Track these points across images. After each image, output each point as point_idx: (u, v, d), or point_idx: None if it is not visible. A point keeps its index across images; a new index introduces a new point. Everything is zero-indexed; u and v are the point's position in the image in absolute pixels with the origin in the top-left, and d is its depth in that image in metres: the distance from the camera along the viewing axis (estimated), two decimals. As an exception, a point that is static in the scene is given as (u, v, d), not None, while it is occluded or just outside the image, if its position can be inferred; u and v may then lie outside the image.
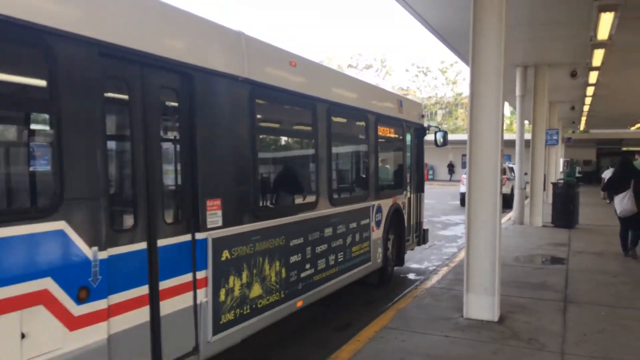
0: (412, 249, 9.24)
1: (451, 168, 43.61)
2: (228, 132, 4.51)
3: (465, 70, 54.30)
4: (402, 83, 62.15)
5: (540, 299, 6.72)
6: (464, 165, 35.51)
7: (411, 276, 8.74)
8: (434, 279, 7.86)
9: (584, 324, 5.76)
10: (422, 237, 9.41)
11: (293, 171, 6.11)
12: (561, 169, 30.50)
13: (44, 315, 2.93)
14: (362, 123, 7.11)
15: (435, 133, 9.51)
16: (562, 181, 15.10)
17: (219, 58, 4.41)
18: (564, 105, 21.25)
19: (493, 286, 5.72)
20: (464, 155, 41.47)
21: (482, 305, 5.76)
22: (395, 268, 8.45)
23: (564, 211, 13.48)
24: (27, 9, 2.85)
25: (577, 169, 35.52)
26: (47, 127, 3.22)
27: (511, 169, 20.00)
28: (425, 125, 9.43)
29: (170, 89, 3.97)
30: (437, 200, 23.69)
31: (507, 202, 11.96)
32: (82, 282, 3.14)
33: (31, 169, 3.22)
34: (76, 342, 3.09)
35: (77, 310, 3.11)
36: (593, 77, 13.51)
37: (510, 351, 4.91)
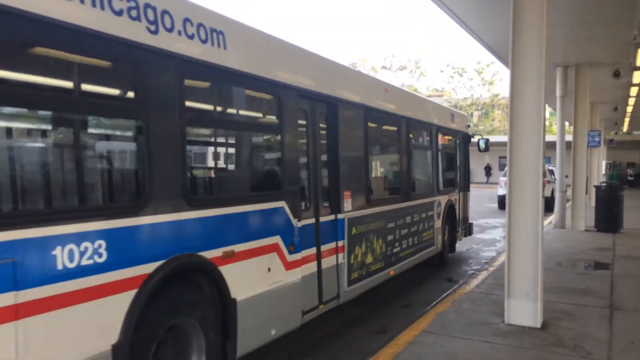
0: (460, 240, 10.59)
1: (488, 170, 42.91)
2: (353, 143, 6.31)
3: (502, 71, 53.38)
4: (436, 84, 61.47)
5: (584, 305, 6.54)
6: (501, 168, 34.90)
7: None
8: (473, 283, 7.73)
9: (631, 331, 5.57)
10: (467, 230, 11.04)
11: (388, 172, 7.98)
12: (603, 172, 29.65)
13: (276, 258, 4.79)
14: (428, 134, 8.91)
15: (479, 140, 11.27)
16: (605, 183, 14.67)
17: (350, 91, 6.32)
18: (606, 105, 20.64)
19: (535, 291, 5.59)
20: (502, 157, 41.51)
21: (524, 310, 5.63)
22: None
23: (608, 215, 13.08)
24: (274, 73, 4.85)
25: (629, 172, 34.47)
26: (276, 143, 5.16)
27: (551, 172, 19.55)
28: (470, 133, 11.08)
29: (325, 114, 5.85)
30: (474, 203, 23.14)
31: (547, 205, 11.70)
32: (291, 240, 5.02)
33: (274, 169, 5.24)
34: (288, 277, 4.96)
35: (289, 258, 4.97)
36: (637, 77, 13.10)
37: (554, 358, 4.78)
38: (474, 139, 11.19)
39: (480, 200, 24.98)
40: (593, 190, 15.85)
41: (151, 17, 3.54)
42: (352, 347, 5.35)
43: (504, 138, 6.15)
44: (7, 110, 2.93)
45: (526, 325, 5.58)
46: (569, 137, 14.24)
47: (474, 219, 16.53)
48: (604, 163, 31.74)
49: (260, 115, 5.24)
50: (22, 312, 2.72)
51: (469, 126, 11.20)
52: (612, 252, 10.35)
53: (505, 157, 5.98)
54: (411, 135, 8.05)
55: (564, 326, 5.65)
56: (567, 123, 17.15)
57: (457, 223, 10.13)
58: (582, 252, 10.45)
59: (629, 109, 20.95)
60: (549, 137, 18.51)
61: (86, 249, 3.06)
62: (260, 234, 4.60)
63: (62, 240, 2.93)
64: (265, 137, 5.47)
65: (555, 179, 16.02)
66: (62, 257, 2.92)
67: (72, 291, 2.98)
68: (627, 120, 26.41)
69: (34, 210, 3.00)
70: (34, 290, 2.78)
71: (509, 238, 5.74)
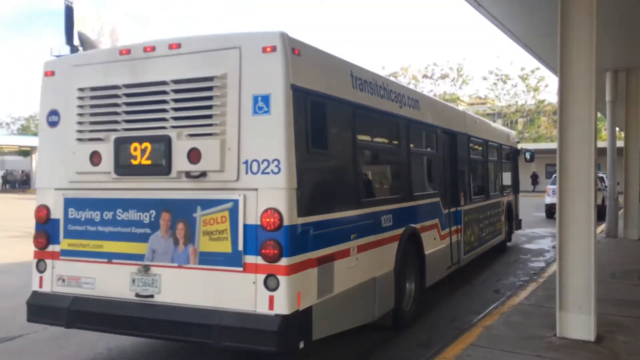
0: (514, 232, 13.09)
1: (535, 179, 41.77)
2: (464, 160, 9.02)
3: (548, 77, 52.13)
4: (480, 92, 60.48)
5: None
6: (548, 176, 33.95)
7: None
8: (522, 294, 7.52)
9: (693, 346, 5.30)
10: (518, 224, 13.71)
11: (477, 179, 10.18)
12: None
13: (436, 232, 7.49)
14: (497, 151, 11.70)
15: (525, 152, 13.96)
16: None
17: (462, 126, 9.11)
18: (659, 110, 19.84)
19: (589, 304, 5.38)
20: (548, 165, 40.66)
21: (577, 323, 5.42)
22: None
23: (663, 223, 12.52)
24: (433, 120, 7.78)
25: None
26: (434, 161, 8.08)
27: (601, 179, 18.89)
28: (519, 147, 13.89)
29: (449, 140, 8.49)
30: (521, 212, 22.70)
31: (598, 214, 11.28)
32: (441, 222, 7.71)
33: (435, 178, 8.00)
34: (440, 245, 7.65)
35: (441, 233, 7.68)
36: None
37: (610, 374, 4.60)
38: (521, 150, 14.01)
39: (527, 209, 24.24)
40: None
41: (398, 99, 6.55)
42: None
43: (551, 145, 6.76)
44: (379, 147, 6.74)
45: (579, 338, 5.38)
46: (619, 143, 13.74)
47: (520, 230, 16.22)
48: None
49: (428, 144, 7.98)
50: (360, 249, 5.33)
51: (518, 142, 14.31)
52: (670, 262, 9.90)
53: (552, 165, 5.92)
54: (489, 153, 10.94)
55: (619, 339, 5.43)
56: (617, 128, 16.57)
57: (513, 218, 12.75)
58: (637, 262, 10.03)
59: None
60: (599, 144, 17.89)
61: (388, 218, 5.97)
62: (432, 217, 7.40)
63: (385, 212, 5.92)
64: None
65: (606, 187, 15.48)
66: (382, 221, 5.85)
67: (382, 239, 5.79)
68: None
69: (388, 196, 6.37)
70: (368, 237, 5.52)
71: (560, 249, 5.56)
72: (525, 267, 10.43)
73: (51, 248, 4.98)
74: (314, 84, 4.63)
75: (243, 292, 4.20)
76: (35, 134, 62.20)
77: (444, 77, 57.78)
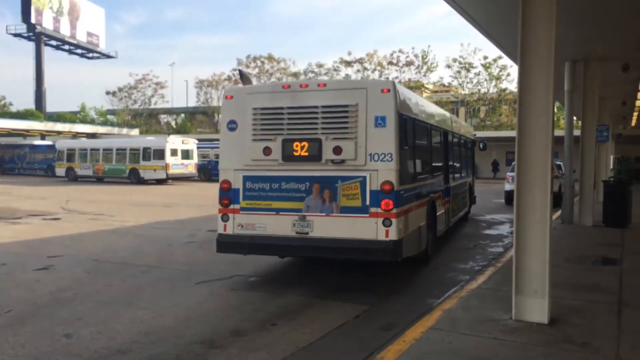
0: (473, 205, 16.45)
1: (495, 166, 42.68)
2: (448, 148, 11.70)
3: (510, 66, 53.05)
4: (444, 80, 61.13)
5: (593, 301, 6.50)
6: (508, 163, 34.72)
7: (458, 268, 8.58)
8: (480, 279, 7.70)
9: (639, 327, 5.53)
10: (474, 200, 16.77)
11: (455, 163, 12.98)
12: (611, 166, 29.42)
13: (441, 201, 10.60)
14: (465, 143, 14.91)
15: (479, 143, 17.32)
16: (613, 179, 14.54)
17: (446, 125, 11.82)
18: (615, 100, 20.47)
19: (544, 288, 5.54)
20: (509, 152, 41.84)
21: (532, 307, 5.59)
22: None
23: (616, 210, 12.99)
24: (464, 133, 14.96)
25: None
26: (465, 157, 15.10)
27: (559, 167, 19.41)
28: (474, 138, 17.30)
29: (471, 144, 15.90)
30: (481, 199, 23.14)
31: (555, 201, 11.61)
32: (443, 194, 10.98)
33: (468, 165, 15.53)
34: (442, 210, 10.59)
35: (443, 201, 10.82)
36: (647, 70, 12.97)
37: (562, 355, 4.76)
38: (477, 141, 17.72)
39: (487, 195, 24.78)
40: (601, 186, 15.72)
41: (431, 115, 10.25)
42: (360, 344, 5.32)
43: (511, 133, 7.04)
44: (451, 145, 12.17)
45: (534, 321, 5.55)
46: (576, 132, 14.13)
47: (480, 215, 16.55)
48: (611, 158, 31.49)
49: (464, 147, 13.98)
50: (415, 208, 8.27)
51: (474, 134, 18.41)
52: (621, 247, 10.28)
53: (512, 153, 5.99)
54: (461, 144, 14.14)
55: (572, 322, 5.62)
56: (574, 118, 17.01)
57: (472, 195, 16.27)
58: (591, 247, 10.39)
59: (638, 103, 20.77)
60: (557, 132, 18.35)
61: (425, 190, 9.06)
62: (440, 190, 10.40)
63: (424, 186, 9.00)
64: (464, 155, 14.56)
65: (563, 174, 15.92)
66: (423, 192, 8.85)
67: (422, 202, 8.70)
68: (635, 114, 26.19)
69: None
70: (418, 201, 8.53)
71: (517, 234, 5.70)
72: (484, 252, 10.66)
73: (232, 207, 7.80)
74: (405, 110, 7.83)
75: (368, 229, 7.22)
76: (-3, 115, 59.82)
77: (409, 64, 58.18)
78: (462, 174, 13.97)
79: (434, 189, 9.80)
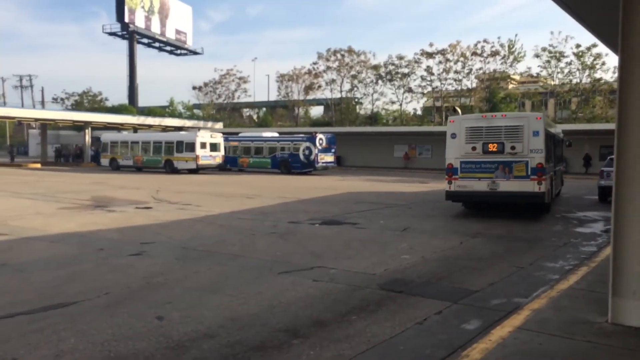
0: (561, 186, 21.20)
1: (587, 160, 40.18)
2: (553, 145, 16.51)
3: (605, 54, 49.79)
4: (532, 70, 58.39)
5: (700, 307, 5.98)
6: (602, 158, 32.69)
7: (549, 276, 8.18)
8: (572, 279, 7.31)
9: None
10: (562, 182, 21.59)
11: (555, 156, 17.62)
12: None
13: (553, 176, 16.60)
14: (558, 140, 19.05)
15: (567, 141, 22.72)
16: None
17: (553, 129, 17.74)
18: None
19: (644, 290, 5.18)
20: (602, 146, 39.51)
21: (630, 309, 5.24)
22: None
23: None
24: (558, 132, 20.81)
25: None
26: (559, 151, 21.00)
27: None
28: (562, 136, 21.84)
29: (553, 137, 17.11)
30: (572, 195, 22.03)
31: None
32: (554, 174, 17.05)
33: (561, 156, 22.84)
34: (555, 181, 17.84)
35: (555, 177, 17.40)
36: None
37: (665, 363, 4.43)
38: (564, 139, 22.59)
39: (579, 191, 23.56)
40: None
41: (557, 132, 19.51)
42: (440, 341, 5.22)
43: (605, 126, 6.10)
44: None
45: (633, 325, 5.20)
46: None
47: (571, 212, 15.84)
48: None
49: (559, 145, 19.80)
50: (549, 178, 15.49)
51: (562, 133, 22.39)
52: None
53: (606, 147, 5.67)
54: (556, 142, 18.07)
55: (676, 329, 5.20)
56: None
57: (562, 181, 21.36)
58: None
59: None
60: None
61: (552, 168, 15.92)
62: (554, 170, 15.99)
63: (552, 167, 16.18)
64: (559, 151, 20.22)
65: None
66: (549, 171, 15.31)
67: (551, 174, 15.98)
68: None
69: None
70: (551, 174, 15.82)
71: (615, 232, 5.35)
72: (576, 250, 10.11)
73: (454, 177, 14.45)
74: (547, 126, 14.86)
75: (530, 186, 13.76)
76: (88, 110, 64.45)
77: (494, 54, 56.03)
78: (558, 164, 19.36)
79: (553, 170, 16.04)
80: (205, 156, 35.86)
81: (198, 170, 35.62)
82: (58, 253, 9.29)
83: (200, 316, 5.82)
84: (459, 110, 22.96)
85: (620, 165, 5.34)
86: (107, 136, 42.28)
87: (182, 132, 42.95)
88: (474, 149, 14.17)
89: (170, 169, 36.42)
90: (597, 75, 52.17)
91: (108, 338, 5.14)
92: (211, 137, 37.26)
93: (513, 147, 13.75)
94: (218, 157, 36.99)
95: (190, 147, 35.53)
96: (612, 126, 5.40)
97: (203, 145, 35.78)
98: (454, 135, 14.49)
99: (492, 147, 13.99)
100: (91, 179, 28.90)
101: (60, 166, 45.55)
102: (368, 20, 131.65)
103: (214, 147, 36.77)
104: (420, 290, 7.05)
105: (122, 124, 50.89)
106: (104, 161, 40.67)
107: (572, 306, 5.98)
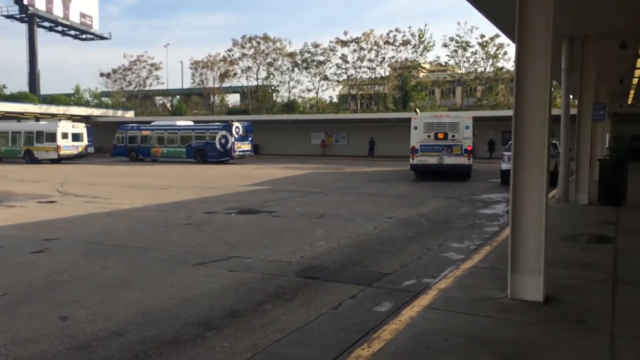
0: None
1: (491, 145, 42.55)
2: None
3: (507, 45, 52.72)
4: (441, 59, 60.74)
5: (588, 279, 6.52)
6: (504, 142, 34.69)
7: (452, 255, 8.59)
8: (476, 258, 7.72)
9: (635, 305, 5.56)
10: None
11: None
12: (607, 145, 29.45)
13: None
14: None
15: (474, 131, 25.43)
16: (609, 157, 14.54)
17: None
18: (611, 78, 20.39)
19: (539, 266, 5.56)
20: (505, 132, 42.30)
21: (527, 285, 5.61)
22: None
23: (611, 188, 13.01)
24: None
25: None
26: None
27: (554, 146, 19.40)
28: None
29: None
30: (477, 178, 23.27)
31: (550, 179, 11.64)
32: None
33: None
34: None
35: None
36: (644, 48, 12.87)
37: (558, 333, 4.78)
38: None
39: (483, 175, 24.91)
40: (597, 164, 15.71)
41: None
42: (353, 324, 5.34)
43: (507, 112, 6.37)
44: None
45: (530, 299, 5.57)
46: (573, 111, 14.07)
47: (477, 195, 16.57)
48: (607, 136, 31.48)
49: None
50: (471, 156, 23.87)
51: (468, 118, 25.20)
52: (616, 225, 10.31)
53: (508, 132, 5.96)
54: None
55: (567, 300, 5.64)
56: (571, 96, 16.95)
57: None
58: (586, 226, 10.42)
59: (635, 80, 20.70)
60: (553, 111, 18.27)
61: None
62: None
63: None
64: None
65: (559, 153, 15.91)
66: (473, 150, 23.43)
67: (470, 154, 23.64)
68: (632, 92, 26.12)
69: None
70: None
71: (513, 212, 5.69)
72: (480, 231, 10.69)
73: (416, 155, 22.42)
74: (470, 123, 23.37)
75: (464, 160, 22.14)
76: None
77: (405, 43, 57.73)
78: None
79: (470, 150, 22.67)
80: (67, 146, 36.24)
81: (60, 160, 35.78)
82: (-52, 254, 8.58)
83: (108, 313, 5.59)
84: (418, 111, 29.73)
85: (517, 149, 5.67)
86: None
87: (43, 122, 42.52)
88: (429, 136, 22.09)
89: (30, 159, 36.42)
90: (500, 64, 55.28)
91: (6, 342, 4.81)
92: (73, 127, 37.51)
93: (453, 136, 21.95)
94: (81, 146, 37.32)
95: (51, 137, 35.65)
96: (511, 113, 5.71)
97: (65, 136, 36.07)
98: (415, 127, 22.26)
99: (440, 136, 22.09)
100: (-13, 172, 26.83)
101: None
102: (285, 8, 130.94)
103: (77, 137, 37.15)
104: (335, 275, 7.17)
105: (22, 113, 47.58)
106: None
107: (476, 284, 6.31)
